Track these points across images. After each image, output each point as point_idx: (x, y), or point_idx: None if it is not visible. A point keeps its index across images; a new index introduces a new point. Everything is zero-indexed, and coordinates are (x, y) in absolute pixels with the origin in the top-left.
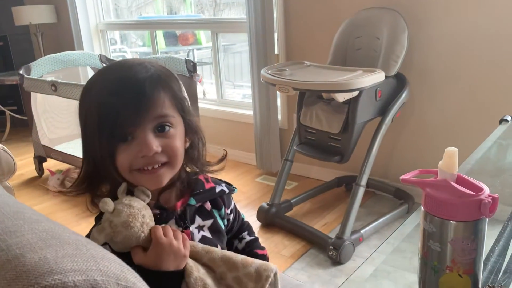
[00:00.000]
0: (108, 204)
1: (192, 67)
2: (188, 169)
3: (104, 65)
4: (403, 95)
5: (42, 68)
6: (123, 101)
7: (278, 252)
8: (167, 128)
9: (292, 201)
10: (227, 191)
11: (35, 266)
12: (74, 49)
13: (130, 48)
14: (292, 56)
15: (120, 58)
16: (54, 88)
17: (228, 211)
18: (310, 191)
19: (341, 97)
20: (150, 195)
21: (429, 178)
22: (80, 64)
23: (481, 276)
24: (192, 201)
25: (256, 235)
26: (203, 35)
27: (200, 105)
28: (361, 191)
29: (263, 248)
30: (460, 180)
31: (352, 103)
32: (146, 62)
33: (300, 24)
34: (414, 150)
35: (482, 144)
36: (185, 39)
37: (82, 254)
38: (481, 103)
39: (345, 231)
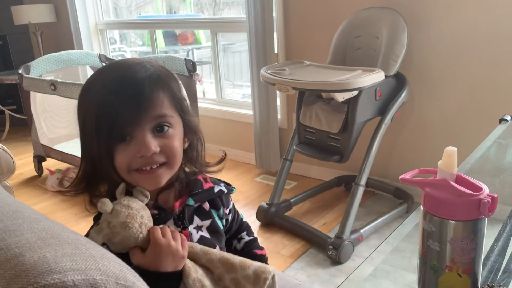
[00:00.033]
0: (106, 204)
1: (191, 66)
2: (186, 169)
3: (104, 64)
4: (403, 95)
5: (42, 67)
6: (122, 101)
7: (277, 252)
8: (166, 128)
9: (291, 200)
10: (225, 191)
11: (34, 265)
12: (73, 49)
13: (130, 48)
14: (291, 56)
15: (120, 58)
16: (53, 87)
17: (227, 211)
18: (310, 191)
19: (340, 97)
20: (149, 196)
21: (428, 177)
22: (80, 64)
23: (481, 275)
24: (191, 201)
25: (255, 235)
26: (203, 35)
27: (199, 104)
28: (360, 191)
29: (262, 248)
30: (459, 180)
31: (351, 103)
32: (146, 61)
33: (299, 24)
34: (414, 150)
35: (482, 144)
36: (185, 39)
37: (82, 253)
38: (481, 103)
39: (344, 230)
